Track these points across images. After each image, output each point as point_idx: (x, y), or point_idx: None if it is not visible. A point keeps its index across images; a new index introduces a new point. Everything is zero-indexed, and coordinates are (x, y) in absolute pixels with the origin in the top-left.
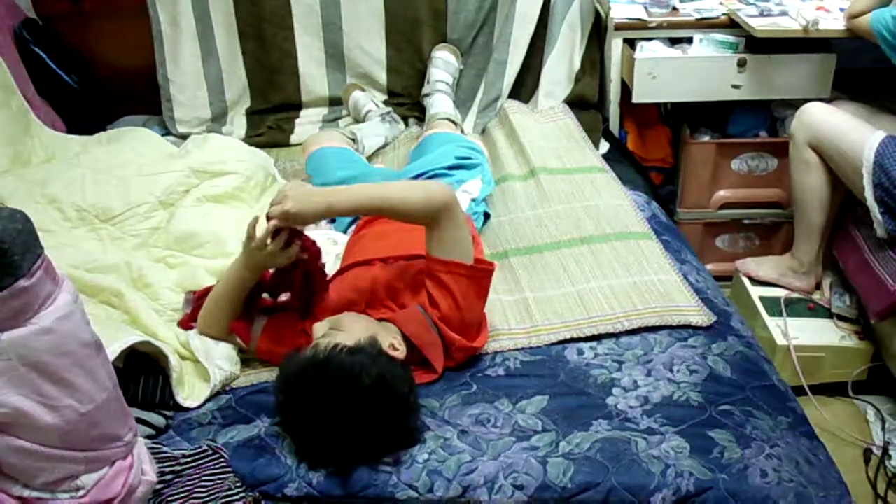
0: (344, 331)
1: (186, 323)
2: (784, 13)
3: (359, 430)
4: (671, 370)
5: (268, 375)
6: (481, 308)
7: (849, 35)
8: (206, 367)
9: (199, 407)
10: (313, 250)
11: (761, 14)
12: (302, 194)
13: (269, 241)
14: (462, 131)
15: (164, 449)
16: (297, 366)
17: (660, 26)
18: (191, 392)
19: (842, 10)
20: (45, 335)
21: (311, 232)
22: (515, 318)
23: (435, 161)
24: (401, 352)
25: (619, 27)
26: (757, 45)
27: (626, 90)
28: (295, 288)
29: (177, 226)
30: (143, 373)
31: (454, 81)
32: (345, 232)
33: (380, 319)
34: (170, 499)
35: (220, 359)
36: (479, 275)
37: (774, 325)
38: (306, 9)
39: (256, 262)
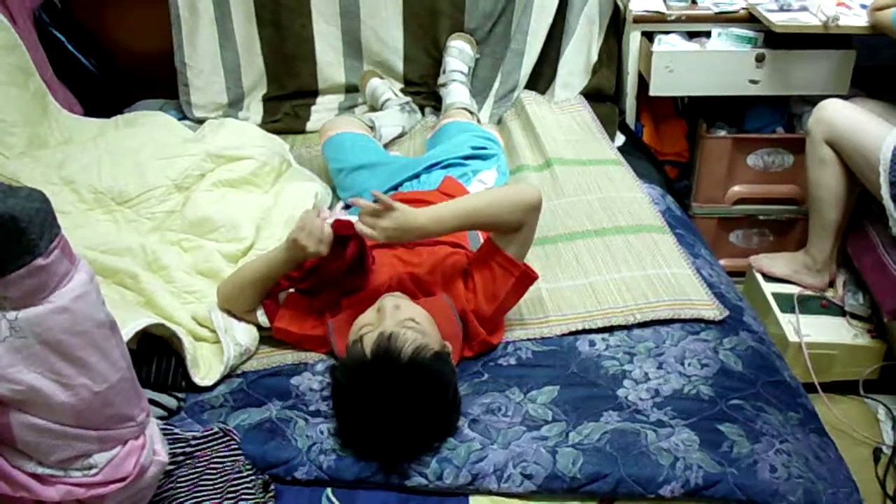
0: (424, 327)
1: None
2: (804, 8)
3: (424, 433)
4: (682, 363)
5: (280, 359)
6: (510, 309)
7: (869, 31)
8: (220, 348)
9: (212, 389)
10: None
11: (781, 9)
12: (401, 233)
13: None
14: (478, 121)
15: (176, 430)
16: (399, 357)
17: (678, 20)
18: (206, 372)
19: (863, 6)
20: (60, 314)
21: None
22: (528, 308)
23: (450, 151)
24: (453, 361)
25: (638, 20)
26: (776, 41)
27: (643, 83)
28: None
29: (192, 210)
30: (155, 355)
31: (469, 70)
32: None
33: None
34: (180, 480)
35: (240, 333)
36: (525, 280)
37: (787, 321)
38: None
39: (303, 254)
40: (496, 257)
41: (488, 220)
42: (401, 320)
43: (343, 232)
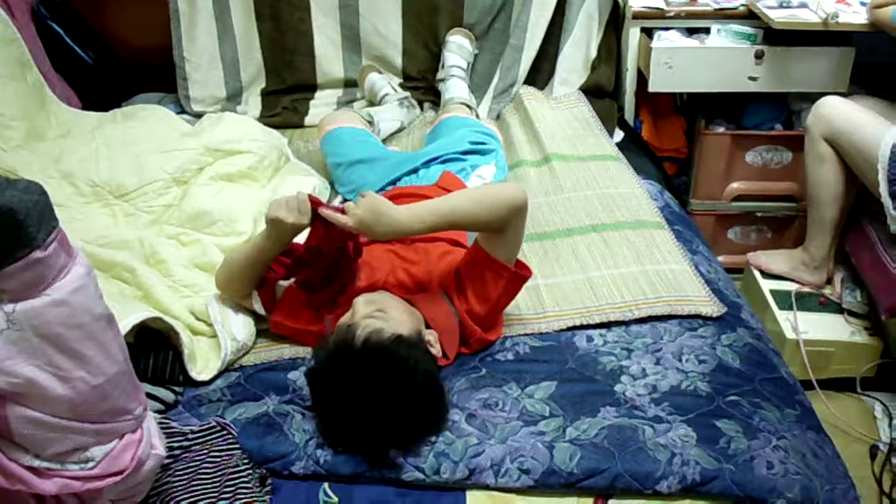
0: (391, 315)
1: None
2: (803, 5)
3: (400, 421)
4: (680, 359)
5: (277, 354)
6: (505, 307)
7: (868, 28)
8: (218, 343)
9: (209, 383)
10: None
11: (780, 6)
12: (373, 221)
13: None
14: (477, 116)
15: (173, 424)
16: (352, 345)
17: (678, 16)
18: (203, 367)
19: (862, 3)
20: (58, 307)
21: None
22: (526, 303)
23: (449, 146)
24: (436, 350)
25: (637, 16)
26: (775, 37)
27: (641, 79)
28: (322, 269)
29: (190, 203)
30: (153, 348)
31: (469, 66)
32: None
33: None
34: (177, 474)
35: (237, 327)
36: (517, 280)
37: (784, 318)
38: None
39: (285, 227)
40: (484, 261)
41: (469, 220)
42: (367, 313)
43: (319, 203)
